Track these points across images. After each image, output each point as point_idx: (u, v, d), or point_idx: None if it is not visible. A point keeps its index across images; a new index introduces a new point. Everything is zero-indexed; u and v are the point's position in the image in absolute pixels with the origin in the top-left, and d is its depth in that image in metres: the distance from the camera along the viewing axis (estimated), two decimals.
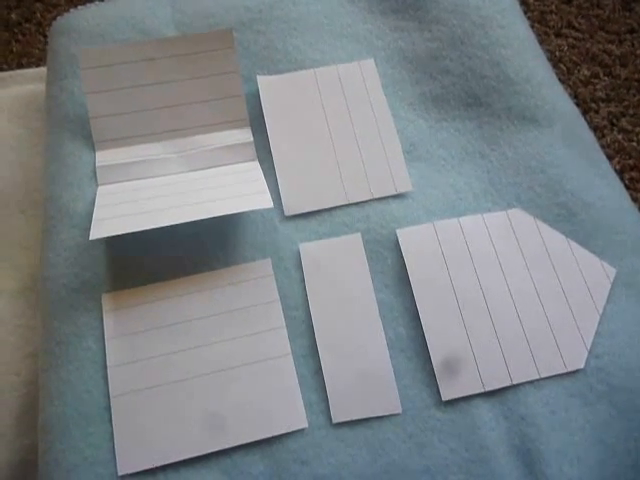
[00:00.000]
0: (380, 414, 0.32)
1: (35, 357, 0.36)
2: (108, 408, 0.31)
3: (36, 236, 0.40)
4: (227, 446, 0.31)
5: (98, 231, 0.32)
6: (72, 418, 0.31)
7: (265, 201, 0.34)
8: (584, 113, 0.55)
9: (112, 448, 0.30)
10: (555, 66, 0.57)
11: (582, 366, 0.33)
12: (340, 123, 0.40)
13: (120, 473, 0.30)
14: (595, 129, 0.55)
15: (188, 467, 0.30)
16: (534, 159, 0.39)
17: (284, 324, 0.34)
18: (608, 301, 0.35)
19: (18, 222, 0.41)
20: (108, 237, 0.35)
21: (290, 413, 0.32)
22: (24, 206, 0.42)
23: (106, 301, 0.33)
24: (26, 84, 0.47)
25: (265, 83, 0.41)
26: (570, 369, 0.32)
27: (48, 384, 0.32)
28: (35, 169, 0.42)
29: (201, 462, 0.31)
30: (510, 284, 0.34)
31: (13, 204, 0.42)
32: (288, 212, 0.37)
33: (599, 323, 0.34)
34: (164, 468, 0.30)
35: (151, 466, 0.30)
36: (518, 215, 0.37)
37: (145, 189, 0.37)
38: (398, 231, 0.36)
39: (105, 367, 0.32)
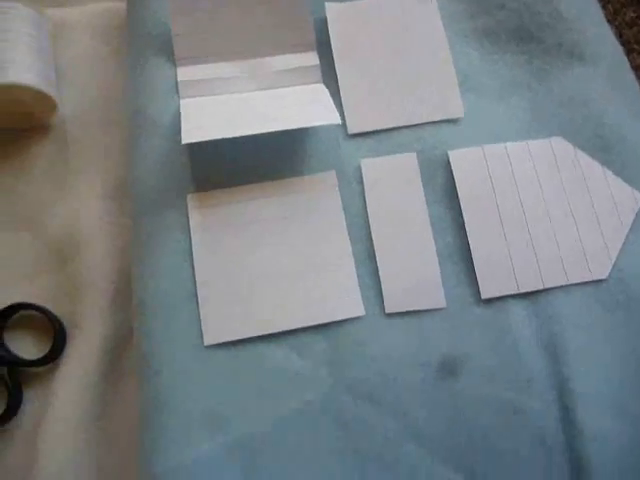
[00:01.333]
0: (427, 307, 0.37)
1: (124, 250, 0.42)
2: (194, 291, 0.37)
3: (118, 145, 0.44)
4: (295, 327, 0.36)
5: (188, 137, 0.36)
6: (164, 298, 0.36)
7: (333, 118, 0.38)
8: (627, 54, 0.57)
9: (199, 324, 0.36)
10: (603, 7, 0.58)
11: (606, 276, 0.37)
12: (400, 51, 0.43)
13: (206, 344, 0.36)
14: (636, 69, 0.57)
15: (262, 342, 0.36)
16: (578, 93, 0.42)
17: (346, 229, 0.38)
18: (634, 225, 0.39)
19: (102, 134, 0.45)
20: (190, 145, 0.39)
21: (349, 303, 0.37)
22: (106, 119, 0.46)
23: (191, 200, 0.38)
24: (103, 1, 0.50)
25: (333, 10, 0.44)
26: (595, 278, 0.37)
27: (141, 270, 0.38)
28: (116, 84, 0.46)
29: (272, 339, 0.36)
30: (547, 202, 0.39)
31: (96, 118, 0.46)
32: (351, 130, 0.41)
33: (624, 243, 0.38)
34: (243, 342, 0.36)
35: (232, 339, 0.36)
36: (559, 143, 0.41)
37: (223, 103, 0.41)
38: (450, 152, 0.40)
39: (191, 256, 0.37)
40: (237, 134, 0.37)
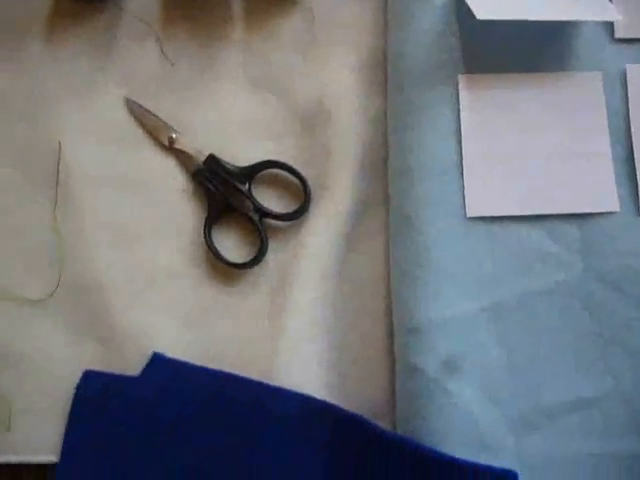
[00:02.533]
0: None
1: (372, 121, 0.43)
2: (460, 164, 0.39)
3: (370, 19, 0.45)
4: (551, 212, 0.38)
5: (483, 14, 0.37)
6: (432, 167, 0.39)
7: (613, 15, 0.39)
8: None
9: (462, 195, 0.38)
10: None
11: None
12: None
13: (468, 215, 0.38)
14: None
15: (518, 222, 0.38)
16: None
17: (607, 128, 0.40)
18: None
19: (348, 9, 0.46)
20: (462, 27, 0.40)
21: (605, 198, 0.39)
22: None
23: (462, 81, 0.40)
24: None
25: None
26: None
27: (409, 138, 0.39)
28: None
29: (529, 221, 0.38)
30: None
31: None
32: (618, 34, 0.41)
33: None
34: (501, 219, 0.38)
35: (492, 214, 0.38)
36: None
37: None
38: None
39: (458, 133, 0.39)
40: (526, 18, 0.38)
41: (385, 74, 0.44)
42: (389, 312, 0.41)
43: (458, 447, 0.34)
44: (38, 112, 0.44)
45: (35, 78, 0.45)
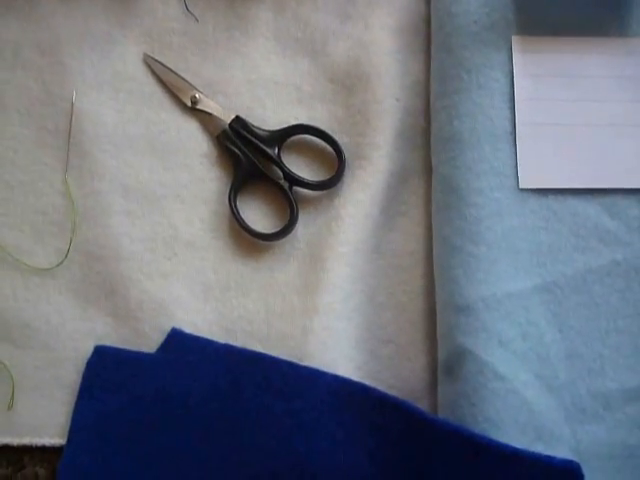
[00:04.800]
0: None
1: (411, 87, 0.40)
2: (513, 132, 0.36)
3: None
4: (610, 186, 0.36)
5: None
6: (482, 134, 0.36)
7: None
8: None
9: (515, 165, 0.35)
10: None
11: None
12: None
13: (521, 186, 0.35)
14: None
15: (575, 196, 0.36)
16: None
17: None
18: None
19: None
20: None
21: None
22: None
23: (516, 43, 0.37)
24: None
25: None
26: None
27: (457, 104, 0.36)
28: None
29: (585, 195, 0.36)
30: None
31: None
32: None
33: None
34: (555, 192, 0.36)
35: (547, 186, 0.35)
36: None
37: None
38: None
39: (511, 99, 0.36)
40: None
41: (425, 39, 0.41)
42: (427, 289, 0.38)
43: (512, 436, 0.31)
44: (50, 66, 0.41)
45: (47, 30, 0.41)
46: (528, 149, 0.36)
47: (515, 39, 0.37)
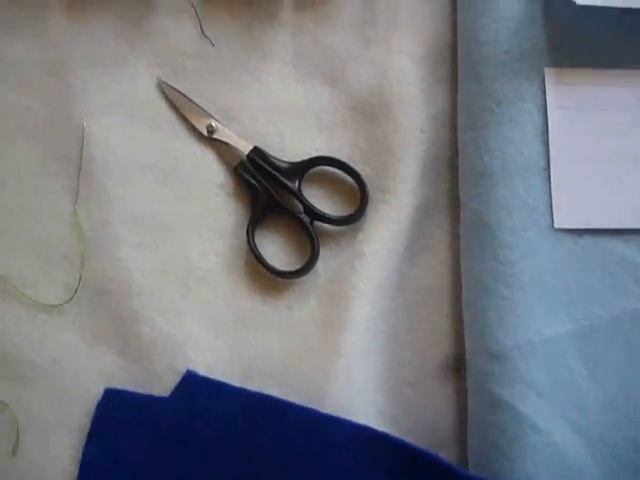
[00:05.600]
0: None
1: (436, 118, 0.39)
2: (546, 168, 0.34)
3: (443, 3, 0.40)
4: None
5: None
6: (514, 169, 0.34)
7: None
8: None
9: (549, 202, 0.34)
10: None
11: None
12: None
13: (556, 226, 0.34)
14: None
15: (610, 236, 0.34)
16: None
17: None
18: None
19: None
20: (548, 16, 0.36)
21: None
22: None
23: (549, 74, 0.35)
24: None
25: None
26: None
27: (487, 138, 0.35)
28: None
29: (622, 235, 0.34)
30: None
31: None
32: None
33: None
34: (590, 232, 0.34)
35: (583, 227, 0.34)
36: None
37: None
38: None
39: (543, 133, 0.35)
40: (635, 5, 0.34)
41: (450, 67, 0.39)
42: (452, 330, 0.37)
43: None
44: (56, 88, 0.39)
45: (53, 49, 0.40)
46: (563, 186, 0.34)
47: (548, 71, 0.35)
